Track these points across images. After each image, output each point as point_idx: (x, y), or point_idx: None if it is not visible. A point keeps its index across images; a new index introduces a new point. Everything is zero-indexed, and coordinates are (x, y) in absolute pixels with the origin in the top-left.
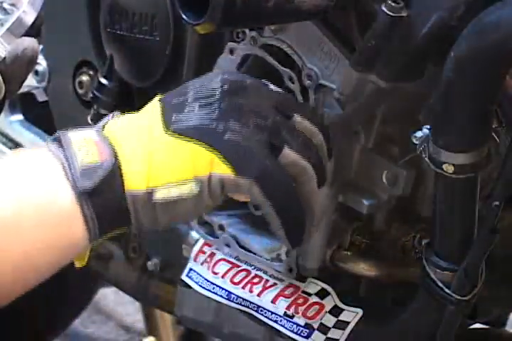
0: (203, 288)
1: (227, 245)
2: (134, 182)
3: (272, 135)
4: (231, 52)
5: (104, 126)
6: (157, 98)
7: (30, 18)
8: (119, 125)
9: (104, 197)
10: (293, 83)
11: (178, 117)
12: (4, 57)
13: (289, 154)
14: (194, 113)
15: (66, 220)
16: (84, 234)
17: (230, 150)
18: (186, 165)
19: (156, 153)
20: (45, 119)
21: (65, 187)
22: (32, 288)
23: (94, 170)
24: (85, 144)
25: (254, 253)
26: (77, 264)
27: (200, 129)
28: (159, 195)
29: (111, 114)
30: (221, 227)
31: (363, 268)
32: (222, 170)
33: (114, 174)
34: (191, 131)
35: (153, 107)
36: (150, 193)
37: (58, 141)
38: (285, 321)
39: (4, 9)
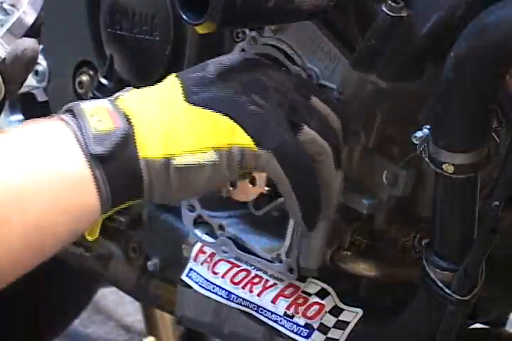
0: (203, 288)
1: (224, 250)
2: (150, 149)
3: (292, 112)
4: (243, 51)
5: (117, 98)
6: (173, 74)
7: (30, 18)
8: (134, 96)
9: (117, 163)
10: None
11: (198, 88)
12: (4, 58)
13: (308, 132)
14: (215, 86)
15: (78, 185)
16: (96, 200)
17: (252, 122)
18: (206, 134)
19: (174, 121)
20: None
21: (77, 153)
22: (44, 260)
23: (107, 137)
24: (98, 111)
25: (254, 254)
26: (89, 238)
27: (222, 100)
28: (176, 162)
29: (124, 89)
30: (221, 227)
31: (363, 268)
32: (243, 140)
33: (127, 141)
34: (213, 102)
35: (172, 81)
36: (167, 161)
37: (70, 111)
38: (285, 321)
39: (4, 10)
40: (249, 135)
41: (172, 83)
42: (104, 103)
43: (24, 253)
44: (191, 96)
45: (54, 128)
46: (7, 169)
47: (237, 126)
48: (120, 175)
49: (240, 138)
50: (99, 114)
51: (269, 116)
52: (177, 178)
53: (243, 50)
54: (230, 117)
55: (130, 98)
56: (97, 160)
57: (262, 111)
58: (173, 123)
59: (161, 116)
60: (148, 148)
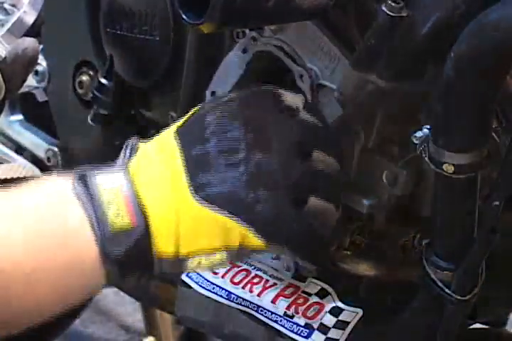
0: (203, 288)
1: None
2: (164, 249)
3: (298, 190)
4: (243, 50)
5: (128, 169)
6: (172, 131)
7: (30, 18)
8: (142, 171)
9: (131, 260)
10: (303, 81)
11: (205, 178)
12: (5, 57)
13: (315, 203)
14: (221, 175)
15: (88, 278)
16: (103, 284)
17: (261, 224)
18: (217, 237)
19: (184, 220)
20: (45, 119)
21: (92, 248)
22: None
23: (124, 237)
24: (115, 199)
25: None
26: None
27: (230, 199)
28: (190, 264)
29: (130, 143)
30: None
31: (363, 268)
32: (253, 242)
33: (144, 241)
34: (221, 201)
35: (172, 151)
36: (179, 261)
37: (84, 183)
38: (285, 321)
39: (5, 9)
40: (261, 237)
41: (173, 156)
42: (120, 183)
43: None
44: (199, 192)
45: (69, 209)
46: (20, 250)
47: (247, 230)
48: (132, 268)
49: (251, 241)
50: (116, 204)
51: (277, 209)
52: (187, 268)
53: (244, 49)
54: (241, 220)
55: (140, 173)
56: (111, 258)
57: (271, 207)
58: (182, 222)
59: (171, 211)
60: (162, 247)
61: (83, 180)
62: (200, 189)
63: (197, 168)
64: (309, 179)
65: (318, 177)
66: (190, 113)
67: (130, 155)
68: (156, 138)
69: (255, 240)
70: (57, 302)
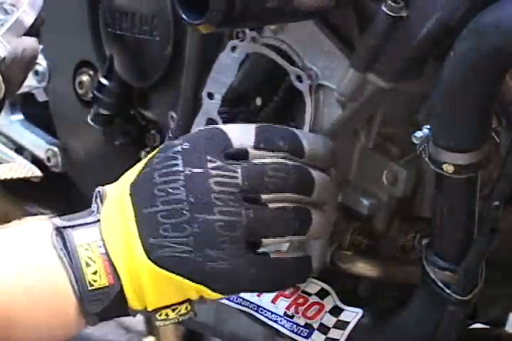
0: None
1: None
2: (134, 307)
3: (247, 239)
4: (233, 49)
5: (100, 224)
6: (128, 185)
7: (30, 18)
8: (108, 229)
9: (110, 315)
10: (301, 82)
11: (155, 240)
12: (4, 57)
13: (270, 242)
14: (169, 239)
15: (69, 329)
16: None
17: (215, 281)
18: (176, 294)
19: (145, 281)
20: (45, 119)
21: (74, 308)
22: None
23: (103, 295)
24: (92, 256)
25: None
26: None
27: (180, 261)
28: (158, 318)
29: (99, 192)
30: None
31: (363, 268)
32: (212, 295)
33: (120, 298)
34: (172, 264)
35: (127, 211)
36: (149, 312)
37: (62, 238)
38: (285, 321)
39: (4, 9)
40: (216, 290)
41: (128, 226)
42: (95, 240)
43: None
44: (152, 254)
45: (49, 266)
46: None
47: (203, 287)
48: (111, 317)
49: (209, 294)
50: (95, 263)
51: (227, 265)
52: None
53: (234, 48)
54: (193, 280)
55: (108, 236)
56: (91, 313)
57: (221, 262)
58: (145, 284)
59: (134, 274)
60: (135, 306)
61: (61, 234)
62: (152, 251)
63: (148, 229)
64: (258, 225)
65: (266, 221)
66: (142, 162)
67: (101, 205)
68: (116, 192)
69: (213, 295)
70: None
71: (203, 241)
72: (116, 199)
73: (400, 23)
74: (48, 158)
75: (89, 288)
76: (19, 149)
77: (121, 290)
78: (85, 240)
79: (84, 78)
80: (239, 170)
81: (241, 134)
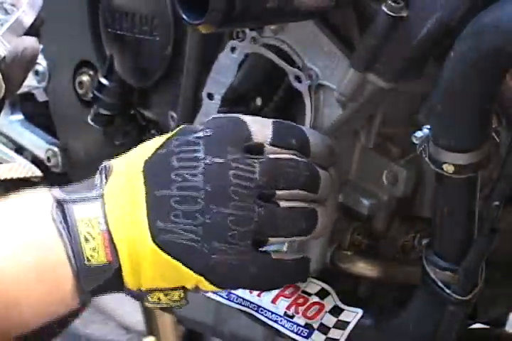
0: None
1: None
2: (129, 285)
3: (255, 236)
4: (232, 50)
5: (103, 200)
6: (142, 163)
7: (30, 18)
8: (112, 206)
9: (105, 291)
10: (300, 82)
11: (163, 224)
12: (4, 56)
13: (274, 241)
14: (178, 224)
15: (65, 306)
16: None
17: (215, 275)
18: (173, 280)
19: (144, 262)
20: (45, 119)
21: (70, 284)
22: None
23: (100, 272)
24: (92, 232)
25: None
26: None
27: (185, 249)
28: (150, 299)
29: (104, 166)
30: None
31: (363, 268)
32: (208, 287)
33: (117, 276)
34: (177, 249)
35: (138, 191)
36: (142, 292)
37: (62, 211)
38: (285, 321)
39: (5, 9)
40: (216, 284)
41: (138, 206)
42: (97, 216)
43: None
44: (157, 237)
45: (48, 242)
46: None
47: (203, 278)
48: (105, 293)
49: (205, 285)
50: (94, 238)
51: (231, 261)
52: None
53: (233, 49)
54: (196, 269)
55: (112, 212)
56: (87, 290)
57: (227, 257)
58: (144, 266)
59: (135, 254)
60: (130, 284)
61: (61, 207)
62: (158, 234)
63: (158, 212)
64: (268, 223)
65: (276, 220)
66: (159, 140)
67: (106, 180)
68: (127, 168)
69: (210, 286)
70: (41, 320)
71: (213, 233)
72: (126, 174)
73: (400, 23)
74: (48, 158)
75: (86, 263)
76: (19, 149)
77: (119, 269)
78: (86, 215)
79: (84, 78)
80: (257, 165)
81: (261, 128)
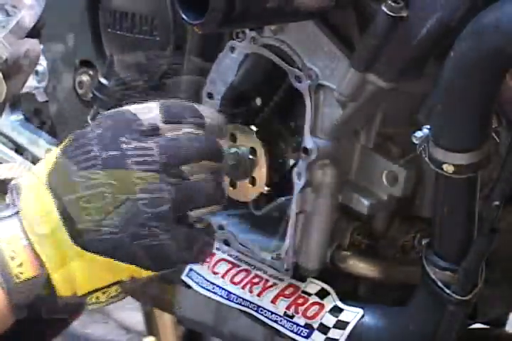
0: (203, 288)
1: (226, 242)
2: (63, 294)
3: (174, 210)
4: (232, 50)
5: (19, 216)
6: (43, 180)
7: (31, 20)
8: (28, 219)
9: (38, 305)
10: (300, 82)
11: (81, 226)
12: (6, 59)
13: (194, 214)
14: (94, 222)
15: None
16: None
17: (144, 258)
18: (106, 276)
19: (73, 266)
20: (45, 119)
21: (3, 303)
22: None
23: (30, 287)
24: (15, 249)
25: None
26: None
27: (110, 243)
28: (89, 302)
29: (13, 185)
30: (221, 227)
31: (363, 268)
32: (141, 273)
33: (47, 288)
34: (100, 245)
35: (48, 203)
36: (79, 297)
37: None
38: (285, 321)
39: (6, 11)
40: (147, 268)
41: (52, 217)
42: (16, 233)
43: None
44: (79, 239)
45: None
46: None
47: (135, 266)
48: (39, 309)
49: (140, 273)
50: (18, 256)
51: (152, 242)
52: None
53: (233, 49)
54: (122, 259)
55: (29, 225)
56: (20, 306)
57: (148, 239)
58: (74, 269)
59: (62, 260)
60: (62, 294)
61: None
62: (79, 236)
63: (72, 216)
64: (183, 199)
65: (190, 194)
66: (53, 152)
67: (18, 199)
68: (32, 184)
69: (145, 272)
70: None
71: (129, 220)
72: (34, 190)
73: (400, 23)
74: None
75: (16, 281)
76: (19, 149)
77: (48, 280)
78: (6, 234)
79: (84, 78)
80: (154, 146)
81: (148, 112)
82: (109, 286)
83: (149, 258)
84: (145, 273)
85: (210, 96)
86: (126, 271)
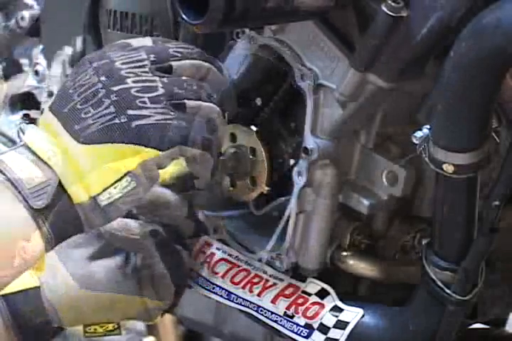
0: (203, 288)
1: (226, 242)
2: (77, 195)
3: (168, 96)
4: (232, 49)
5: (26, 144)
6: (47, 110)
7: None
8: (38, 144)
9: (56, 211)
10: (300, 82)
11: (80, 124)
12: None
13: (193, 105)
14: (91, 115)
15: (24, 236)
16: (42, 247)
17: (143, 136)
18: (114, 166)
19: (81, 164)
20: None
21: (19, 208)
22: None
23: (42, 190)
24: (25, 165)
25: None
26: (37, 273)
27: (106, 129)
28: (103, 199)
29: (20, 127)
30: (221, 227)
31: (363, 268)
32: (148, 154)
33: (59, 191)
34: (99, 135)
35: (52, 120)
36: (95, 200)
37: None
38: (285, 321)
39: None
40: (149, 146)
41: (54, 123)
42: (25, 153)
43: None
44: (80, 136)
45: None
46: None
47: (137, 147)
48: (60, 220)
49: (145, 154)
50: (28, 168)
51: (153, 118)
52: (109, 208)
53: (233, 48)
54: (124, 142)
55: (37, 145)
56: (38, 212)
57: (146, 119)
58: (80, 167)
59: (69, 162)
60: (74, 194)
61: None
62: (80, 133)
63: (69, 120)
64: (175, 88)
65: (182, 84)
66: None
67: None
68: (39, 119)
69: (149, 152)
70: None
71: (124, 104)
72: (39, 122)
73: (400, 23)
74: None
75: (28, 187)
76: None
77: (59, 183)
78: (14, 157)
79: None
80: (142, 50)
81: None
82: (120, 179)
83: (149, 136)
84: (150, 154)
85: None
86: (130, 153)
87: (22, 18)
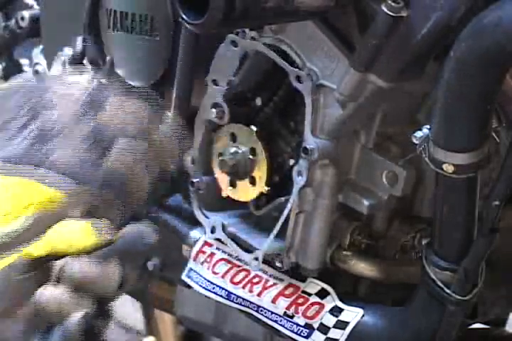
0: (203, 288)
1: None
2: None
3: (89, 140)
4: (233, 44)
5: None
6: None
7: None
8: None
9: None
10: (300, 82)
11: None
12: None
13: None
14: (8, 143)
15: None
16: None
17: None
18: (21, 198)
19: None
20: None
21: None
22: None
23: None
24: None
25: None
26: None
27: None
28: None
29: None
30: (221, 227)
31: (363, 268)
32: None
33: None
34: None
35: None
36: None
37: None
38: (285, 321)
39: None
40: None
41: None
42: None
43: None
44: None
45: None
46: None
47: (41, 185)
48: None
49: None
50: None
51: (65, 156)
52: None
53: (233, 42)
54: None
55: None
56: None
57: (59, 153)
58: None
59: None
60: None
61: None
62: None
63: None
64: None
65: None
66: None
67: None
68: None
69: (50, 194)
70: None
71: (43, 135)
72: None
73: (400, 23)
74: None
75: None
76: None
77: None
78: None
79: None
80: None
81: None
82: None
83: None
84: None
85: (215, 82)
86: (35, 191)
87: (22, 18)
